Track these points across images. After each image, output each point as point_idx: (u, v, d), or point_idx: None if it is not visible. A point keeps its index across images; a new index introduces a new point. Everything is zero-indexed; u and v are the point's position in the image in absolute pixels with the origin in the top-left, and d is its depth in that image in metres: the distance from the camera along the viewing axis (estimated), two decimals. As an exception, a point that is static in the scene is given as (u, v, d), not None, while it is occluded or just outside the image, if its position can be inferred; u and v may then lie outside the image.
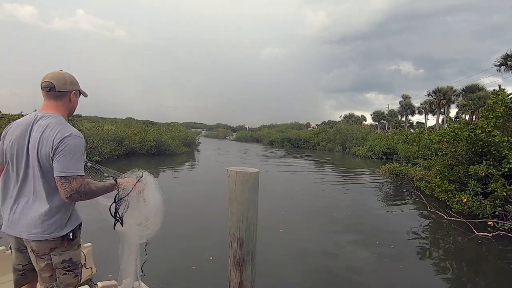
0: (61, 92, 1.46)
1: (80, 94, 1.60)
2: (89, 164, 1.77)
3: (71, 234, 1.46)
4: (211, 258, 3.63)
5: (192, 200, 6.77)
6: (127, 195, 1.52)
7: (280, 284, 3.29)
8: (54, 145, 1.33)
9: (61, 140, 1.34)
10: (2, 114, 11.73)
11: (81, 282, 2.80)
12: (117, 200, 1.52)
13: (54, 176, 1.34)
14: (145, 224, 1.61)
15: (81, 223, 1.58)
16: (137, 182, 1.57)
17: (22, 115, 11.03)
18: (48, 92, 1.44)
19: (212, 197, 7.09)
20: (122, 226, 1.56)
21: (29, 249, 1.45)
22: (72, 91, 1.51)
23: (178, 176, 10.80)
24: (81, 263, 1.59)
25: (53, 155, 1.34)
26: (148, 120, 45.41)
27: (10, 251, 2.64)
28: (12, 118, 10.57)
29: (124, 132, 16.35)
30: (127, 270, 1.68)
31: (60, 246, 1.43)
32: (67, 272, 1.47)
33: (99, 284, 2.14)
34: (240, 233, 1.87)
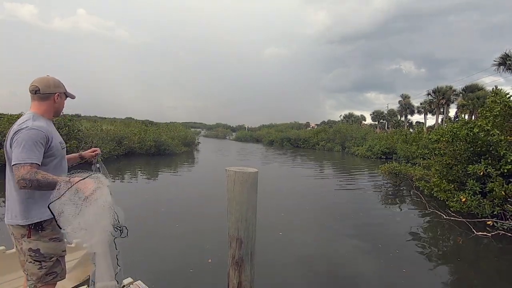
0: (45, 94, 1.63)
1: (66, 97, 1.76)
2: (97, 165, 1.89)
3: (32, 225, 1.53)
4: (209, 260, 3.62)
5: (191, 201, 6.78)
6: (60, 196, 1.37)
7: (280, 284, 3.29)
8: (11, 137, 1.50)
9: (15, 132, 1.48)
10: (2, 114, 11.74)
11: (81, 281, 2.81)
12: (51, 201, 1.38)
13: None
14: (86, 231, 1.45)
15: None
16: (73, 184, 1.41)
17: (22, 115, 11.03)
18: (34, 94, 1.62)
19: (211, 197, 7.09)
20: (60, 228, 1.41)
21: (10, 233, 1.61)
22: (55, 93, 1.67)
23: (177, 176, 10.80)
24: (58, 259, 1.61)
25: (11, 146, 1.49)
26: (148, 120, 45.42)
27: (10, 251, 2.65)
28: (12, 118, 10.57)
29: (123, 132, 16.34)
30: (101, 276, 1.67)
31: (27, 234, 1.54)
32: (33, 261, 1.54)
33: (99, 284, 2.14)
34: (239, 233, 1.87)
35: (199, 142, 24.94)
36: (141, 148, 15.80)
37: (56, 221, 1.39)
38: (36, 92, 1.61)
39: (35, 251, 1.54)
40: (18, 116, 10.87)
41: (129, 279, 2.38)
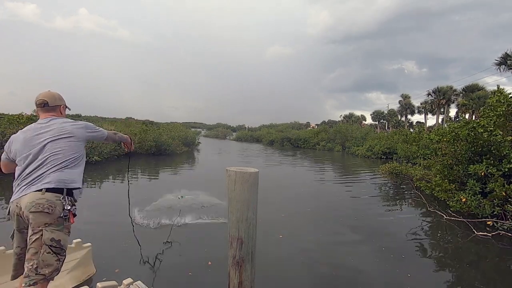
0: (53, 106, 1.87)
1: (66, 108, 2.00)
2: None
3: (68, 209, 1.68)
4: (209, 263, 3.60)
5: (190, 201, 6.76)
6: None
7: (280, 284, 3.29)
8: None
9: None
10: (2, 114, 11.73)
11: (81, 282, 2.81)
12: None
13: None
14: None
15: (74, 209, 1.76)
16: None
17: (22, 115, 11.03)
18: (43, 107, 1.84)
19: (211, 197, 7.07)
20: None
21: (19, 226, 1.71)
22: (61, 105, 1.92)
23: (177, 176, 10.80)
24: (65, 253, 1.67)
25: None
26: (148, 120, 45.42)
27: (10, 251, 2.64)
28: (12, 118, 10.56)
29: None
30: None
31: (54, 223, 1.61)
32: (51, 253, 1.58)
33: (99, 284, 2.15)
34: (239, 233, 1.87)
35: (199, 142, 24.95)
36: (141, 148, 15.80)
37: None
38: (44, 105, 1.83)
39: (57, 242, 1.60)
40: (18, 116, 10.87)
41: (129, 279, 2.38)
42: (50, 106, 1.84)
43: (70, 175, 1.73)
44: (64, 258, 1.67)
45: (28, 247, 1.59)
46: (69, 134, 1.77)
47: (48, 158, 1.69)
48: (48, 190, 1.62)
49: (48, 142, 1.71)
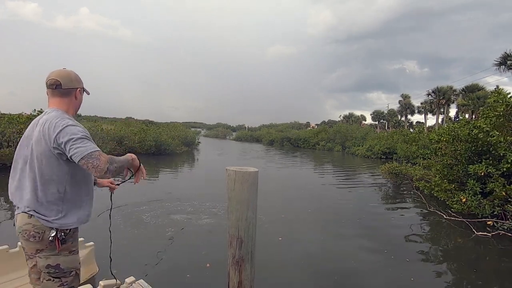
0: (67, 89, 1.49)
1: (83, 92, 1.63)
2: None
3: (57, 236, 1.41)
4: (208, 265, 3.58)
5: (190, 201, 6.77)
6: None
7: (280, 284, 3.30)
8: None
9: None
10: (1, 114, 11.74)
11: (84, 281, 2.82)
12: None
13: None
14: None
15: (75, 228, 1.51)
16: None
17: (22, 115, 11.04)
18: (54, 89, 1.46)
19: (210, 197, 7.09)
20: None
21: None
22: (77, 88, 1.54)
23: (176, 176, 10.81)
24: (75, 271, 1.47)
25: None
26: (148, 120, 45.45)
27: (13, 250, 2.66)
28: (12, 117, 10.57)
29: (123, 131, 16.37)
30: None
31: (46, 248, 1.38)
32: (52, 279, 1.39)
33: (101, 283, 2.16)
34: (239, 233, 1.88)
35: (199, 142, 24.96)
36: (141, 148, 15.81)
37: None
38: (56, 86, 1.46)
39: (55, 267, 1.38)
40: (18, 116, 10.88)
41: (132, 278, 2.39)
42: (64, 88, 1.47)
43: None
44: (73, 276, 1.45)
45: (28, 272, 1.46)
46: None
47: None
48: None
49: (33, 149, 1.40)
